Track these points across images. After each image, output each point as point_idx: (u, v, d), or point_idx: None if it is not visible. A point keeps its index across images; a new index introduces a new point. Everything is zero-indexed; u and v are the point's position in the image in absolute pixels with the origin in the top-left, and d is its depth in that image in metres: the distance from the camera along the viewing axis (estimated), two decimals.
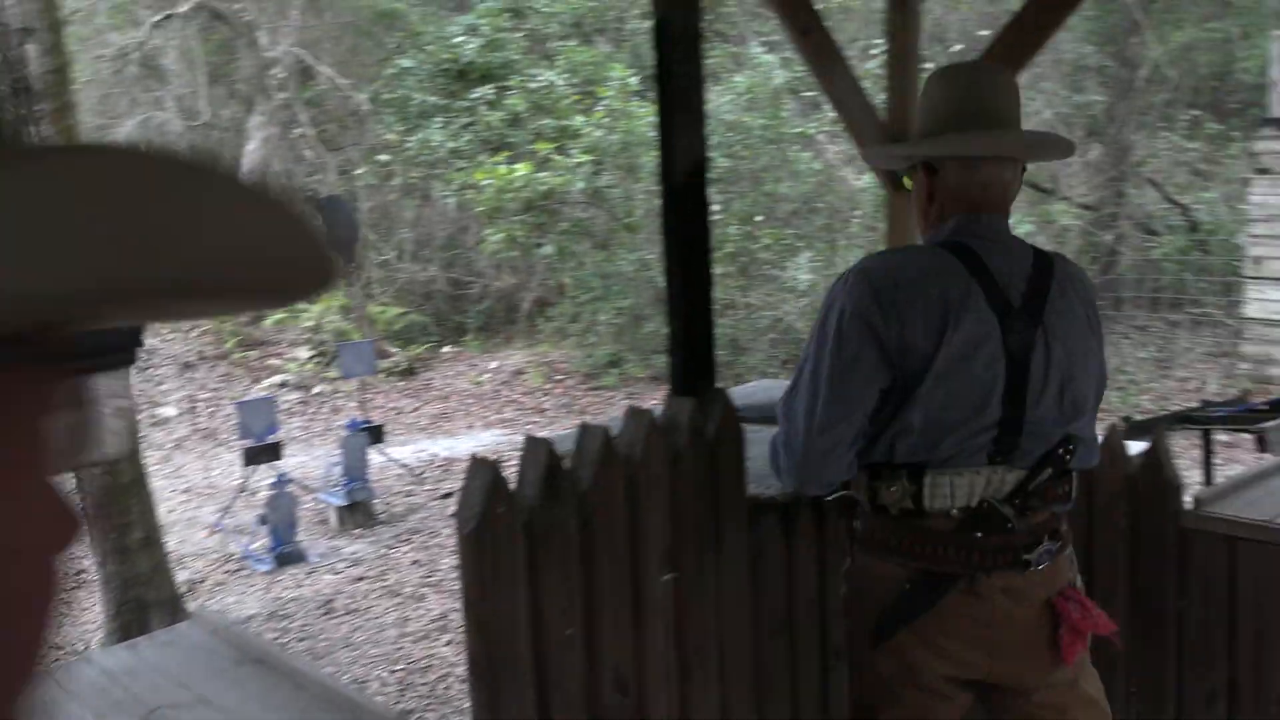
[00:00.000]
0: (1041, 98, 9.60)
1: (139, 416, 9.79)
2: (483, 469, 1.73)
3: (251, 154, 12.81)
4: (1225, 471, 6.14)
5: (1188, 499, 2.52)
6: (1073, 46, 11.01)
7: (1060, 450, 1.74)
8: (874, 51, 9.87)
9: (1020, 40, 3.39)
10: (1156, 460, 2.47)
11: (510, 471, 1.81)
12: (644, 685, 1.96)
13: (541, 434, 2.57)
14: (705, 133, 2.10)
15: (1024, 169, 1.82)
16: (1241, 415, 3.85)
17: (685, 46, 2.07)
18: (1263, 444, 3.55)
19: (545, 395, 10.52)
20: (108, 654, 2.15)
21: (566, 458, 1.88)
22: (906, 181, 1.85)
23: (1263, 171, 8.26)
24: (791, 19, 3.27)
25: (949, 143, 1.74)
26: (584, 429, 1.90)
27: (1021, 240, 1.81)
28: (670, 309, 2.13)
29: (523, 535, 1.76)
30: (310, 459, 8.69)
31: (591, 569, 1.86)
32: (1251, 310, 9.21)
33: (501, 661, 1.75)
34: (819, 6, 3.55)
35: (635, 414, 1.96)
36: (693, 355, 2.10)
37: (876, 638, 1.78)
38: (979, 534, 1.72)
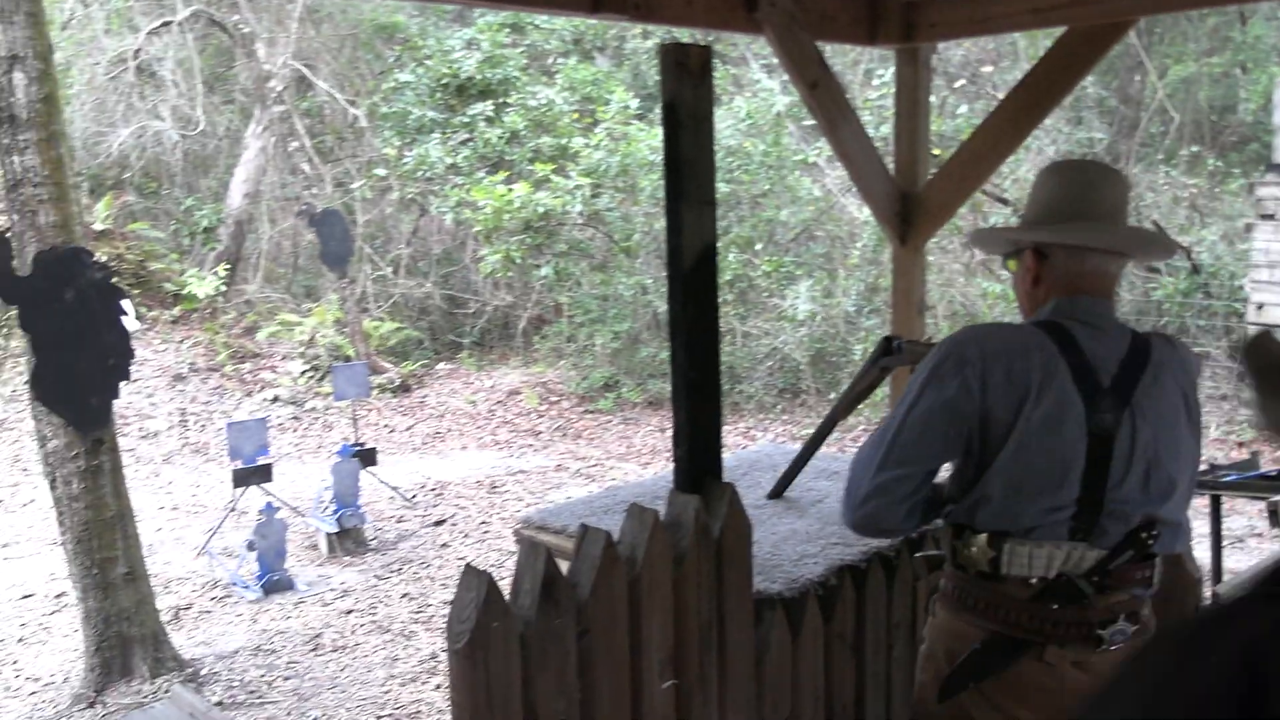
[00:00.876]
0: (1043, 133, 9.53)
1: (126, 429, 9.70)
2: (475, 580, 1.64)
3: (248, 164, 12.72)
4: (1229, 527, 6.07)
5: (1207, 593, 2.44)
6: None
7: (1143, 533, 1.74)
8: (875, 81, 9.81)
9: (1038, 91, 3.34)
10: (1175, 554, 2.39)
11: (505, 579, 1.72)
12: None
13: (530, 507, 2.50)
14: (714, 218, 2.03)
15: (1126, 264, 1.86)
16: (1253, 481, 3.74)
17: (695, 128, 1.99)
18: (1275, 517, 3.45)
19: (540, 417, 10.42)
20: None
21: (563, 560, 1.80)
22: (1011, 265, 1.89)
23: (1267, 217, 8.19)
24: (800, 72, 3.21)
25: (1061, 231, 1.78)
26: (585, 531, 1.82)
27: (1122, 323, 1.82)
28: (675, 398, 2.05)
29: (518, 648, 1.67)
30: (302, 477, 8.59)
31: (590, 680, 1.78)
32: None
33: None
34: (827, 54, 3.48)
35: (638, 513, 1.88)
36: (697, 449, 2.02)
37: (943, 690, 1.79)
38: (1055, 605, 1.73)
